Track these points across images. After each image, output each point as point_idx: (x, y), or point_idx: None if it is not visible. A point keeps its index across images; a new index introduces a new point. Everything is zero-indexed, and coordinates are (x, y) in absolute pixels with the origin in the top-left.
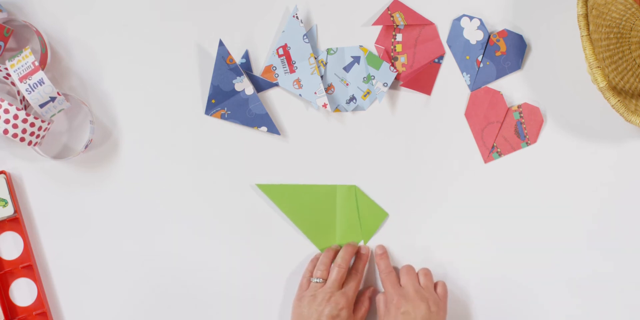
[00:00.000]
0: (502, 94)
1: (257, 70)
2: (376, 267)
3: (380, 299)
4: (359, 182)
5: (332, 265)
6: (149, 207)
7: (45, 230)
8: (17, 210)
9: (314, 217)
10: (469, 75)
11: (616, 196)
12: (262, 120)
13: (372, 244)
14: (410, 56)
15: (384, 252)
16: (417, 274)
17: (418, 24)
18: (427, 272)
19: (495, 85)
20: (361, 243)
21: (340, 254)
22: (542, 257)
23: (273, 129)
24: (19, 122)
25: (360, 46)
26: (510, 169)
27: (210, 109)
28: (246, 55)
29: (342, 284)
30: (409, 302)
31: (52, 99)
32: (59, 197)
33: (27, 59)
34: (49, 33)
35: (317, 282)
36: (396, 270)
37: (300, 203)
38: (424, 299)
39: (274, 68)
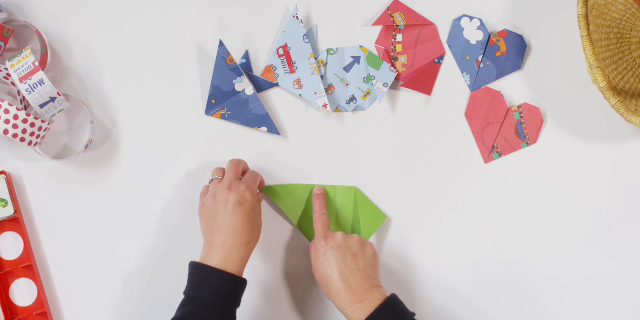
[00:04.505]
0: (502, 94)
1: (257, 70)
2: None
3: (311, 246)
4: (359, 181)
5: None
6: (148, 207)
7: (45, 230)
8: (17, 210)
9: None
10: (469, 75)
11: (616, 196)
12: (262, 120)
13: None
14: (410, 56)
15: (322, 193)
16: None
17: (418, 24)
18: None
19: (495, 85)
20: None
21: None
22: (543, 257)
23: (273, 129)
24: (19, 122)
25: (360, 46)
26: (510, 169)
27: (210, 109)
28: (246, 55)
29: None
30: (338, 237)
31: (52, 99)
32: (59, 197)
33: (27, 59)
34: (49, 33)
35: (215, 178)
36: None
37: (299, 202)
38: (353, 236)
39: (274, 68)
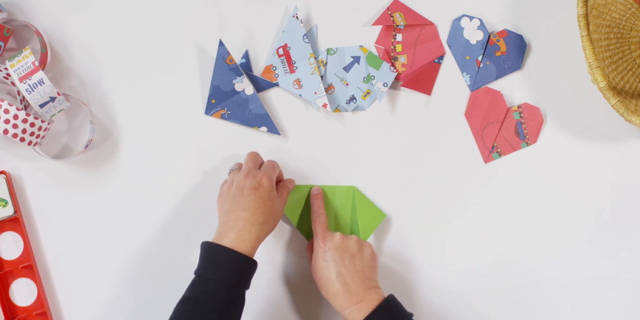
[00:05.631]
0: (502, 94)
1: (257, 70)
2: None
3: (309, 247)
4: (358, 181)
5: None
6: (148, 207)
7: (45, 230)
8: (17, 210)
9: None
10: (469, 75)
11: (616, 196)
12: (262, 120)
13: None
14: (410, 56)
15: (320, 193)
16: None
17: (418, 24)
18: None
19: (495, 85)
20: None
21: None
22: (543, 258)
23: (273, 129)
24: (19, 122)
25: (360, 46)
26: (510, 169)
27: (210, 109)
28: (246, 55)
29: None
30: (336, 238)
31: (52, 99)
32: (59, 197)
33: (27, 59)
34: (49, 33)
35: (233, 169)
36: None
37: (299, 202)
38: (352, 237)
39: (274, 68)
